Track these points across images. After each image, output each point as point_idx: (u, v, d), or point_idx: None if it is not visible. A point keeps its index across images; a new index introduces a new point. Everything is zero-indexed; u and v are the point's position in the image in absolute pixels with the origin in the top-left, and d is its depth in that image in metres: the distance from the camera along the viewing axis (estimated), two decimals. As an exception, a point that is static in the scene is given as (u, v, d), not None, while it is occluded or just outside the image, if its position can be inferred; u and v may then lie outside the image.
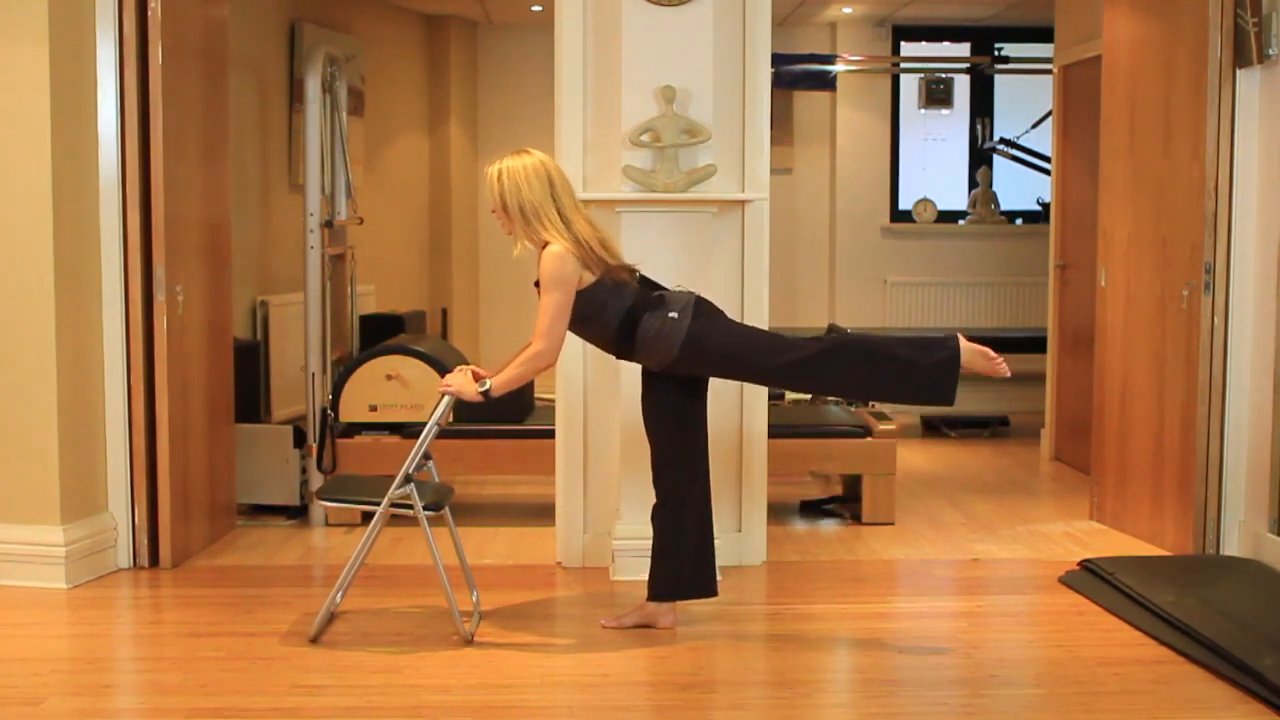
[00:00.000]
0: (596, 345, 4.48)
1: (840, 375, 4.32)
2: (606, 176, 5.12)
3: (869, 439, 6.13)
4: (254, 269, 7.07)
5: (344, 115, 6.42)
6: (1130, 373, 5.84)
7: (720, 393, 5.10)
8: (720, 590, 4.77)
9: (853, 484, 6.30)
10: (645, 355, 4.33)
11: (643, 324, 4.26)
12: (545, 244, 4.23)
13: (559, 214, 4.23)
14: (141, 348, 5.20)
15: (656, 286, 4.39)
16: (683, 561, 4.49)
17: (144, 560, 5.26)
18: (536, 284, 4.28)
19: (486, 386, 4.25)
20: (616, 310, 4.26)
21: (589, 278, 4.24)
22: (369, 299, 7.93)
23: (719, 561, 5.06)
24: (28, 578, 4.95)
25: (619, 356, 4.43)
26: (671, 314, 4.25)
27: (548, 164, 4.29)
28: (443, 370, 5.88)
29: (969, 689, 4.01)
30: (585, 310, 4.25)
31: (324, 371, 6.13)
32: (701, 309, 4.30)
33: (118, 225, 5.15)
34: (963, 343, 4.21)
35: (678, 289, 4.40)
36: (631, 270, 4.35)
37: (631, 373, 4.57)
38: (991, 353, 4.22)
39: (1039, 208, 9.29)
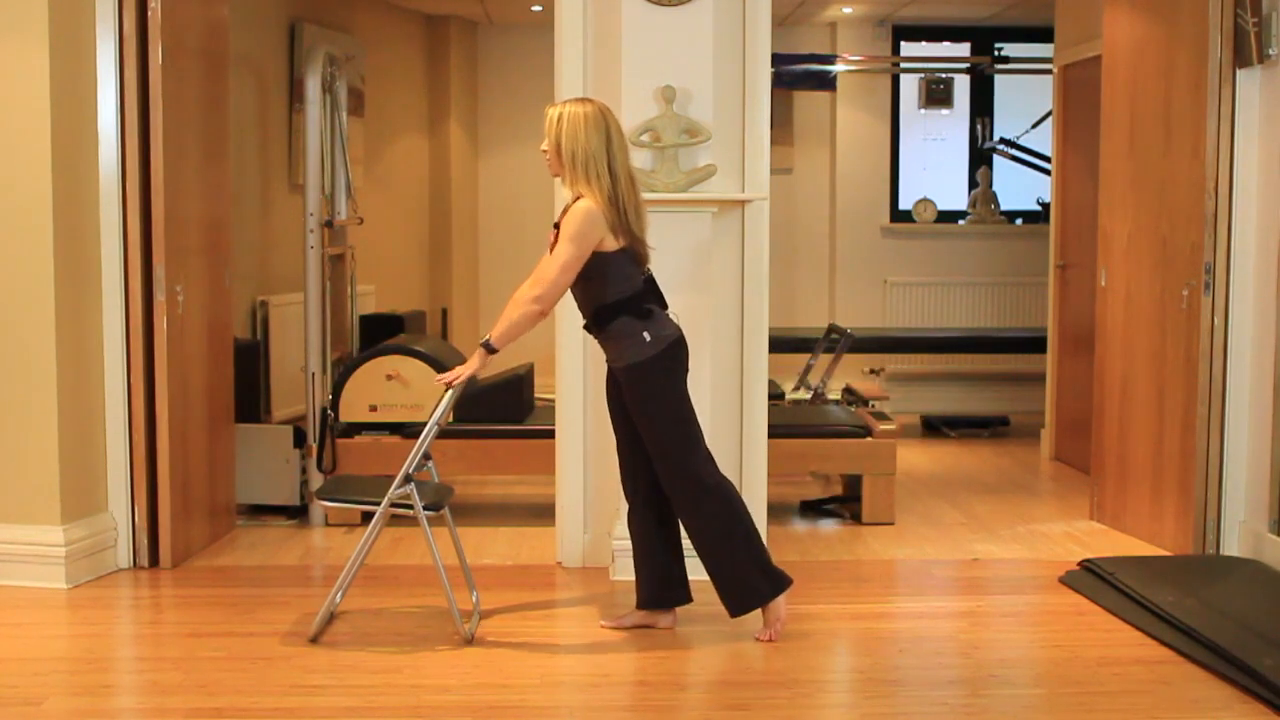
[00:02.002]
0: (577, 303, 4.46)
1: (699, 516, 4.36)
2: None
3: (869, 439, 6.13)
4: (254, 269, 7.07)
5: (344, 115, 6.42)
6: (1130, 373, 5.84)
7: (720, 392, 5.11)
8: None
9: (853, 484, 6.30)
10: (603, 345, 4.38)
11: (618, 321, 4.27)
12: (579, 197, 4.24)
13: (609, 168, 4.24)
14: (141, 348, 5.20)
15: (657, 296, 4.38)
16: (658, 568, 4.51)
17: (144, 560, 5.26)
18: (556, 225, 4.30)
19: (486, 339, 4.25)
20: (610, 294, 4.28)
21: (612, 244, 4.25)
22: (369, 299, 7.92)
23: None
24: (28, 578, 4.95)
25: (586, 329, 4.45)
26: (646, 335, 4.26)
27: (608, 116, 4.30)
28: (443, 370, 5.89)
29: (969, 689, 4.01)
30: (589, 273, 4.25)
31: (324, 371, 6.13)
32: (672, 353, 4.30)
33: (118, 225, 5.15)
34: (783, 598, 4.39)
35: (673, 316, 4.40)
36: (646, 255, 4.35)
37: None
38: (779, 629, 4.38)
39: (1039, 208, 9.29)
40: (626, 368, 4.30)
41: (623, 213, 4.23)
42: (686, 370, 4.38)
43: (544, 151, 4.35)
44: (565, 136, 4.26)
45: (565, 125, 4.26)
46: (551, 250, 4.29)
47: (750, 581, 4.37)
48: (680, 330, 4.37)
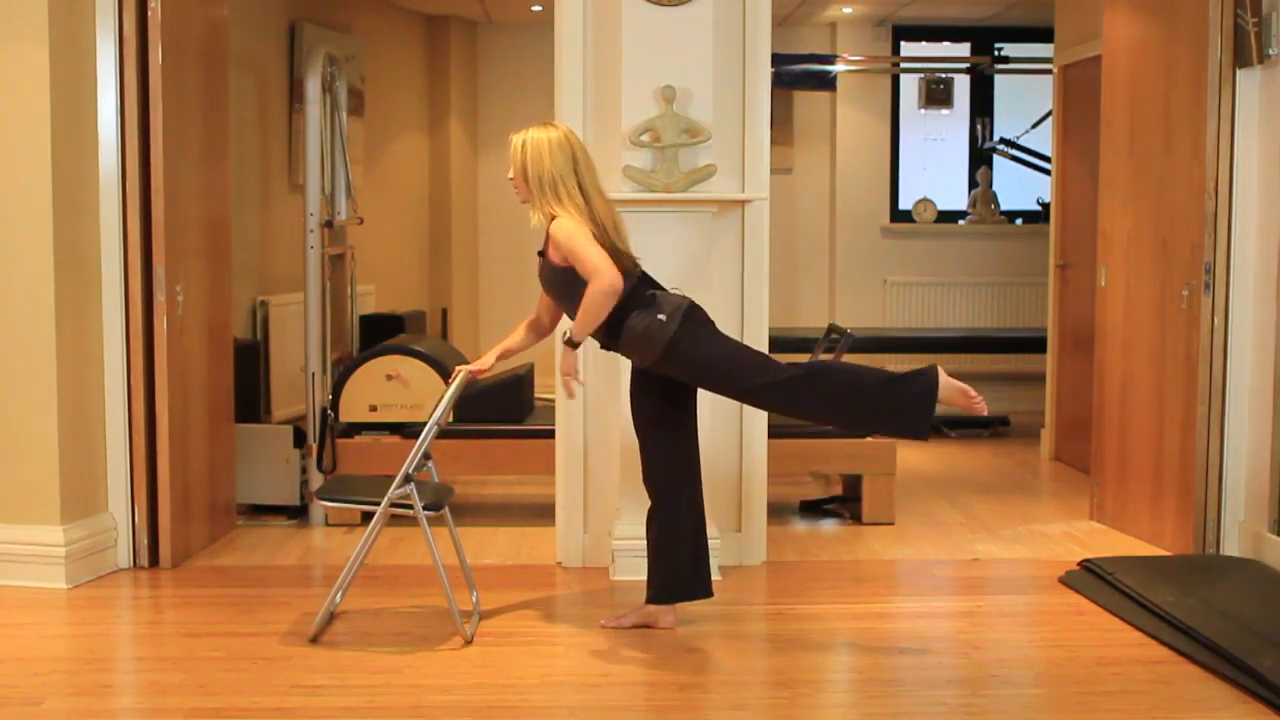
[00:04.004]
0: None
1: (815, 402, 4.29)
2: (606, 176, 5.07)
3: (869, 439, 6.13)
4: (254, 269, 7.07)
5: (344, 115, 6.43)
6: (1130, 373, 5.84)
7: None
8: (720, 590, 4.77)
9: (853, 484, 6.30)
10: (628, 351, 4.35)
11: (630, 320, 4.24)
12: (554, 217, 4.24)
13: (579, 189, 4.25)
14: (141, 348, 5.20)
15: (653, 284, 4.37)
16: (678, 563, 4.49)
17: (144, 560, 5.27)
18: (540, 253, 4.30)
19: (567, 336, 4.24)
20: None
21: None
22: (369, 299, 7.92)
23: (719, 561, 5.08)
24: (28, 578, 4.95)
25: (603, 346, 4.42)
26: (660, 316, 4.23)
27: (572, 138, 4.31)
28: (443, 370, 5.90)
29: (969, 689, 4.01)
30: (581, 289, 4.23)
31: (324, 371, 6.13)
32: (692, 316, 4.27)
33: (118, 225, 5.15)
34: (942, 376, 4.19)
35: (674, 290, 4.38)
36: (634, 261, 4.34)
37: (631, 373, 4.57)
38: (971, 391, 4.20)
39: (1039, 208, 9.29)
40: (663, 355, 4.25)
41: (602, 228, 4.24)
42: (712, 322, 4.34)
43: (511, 179, 4.35)
44: (530, 162, 4.26)
45: (529, 151, 4.27)
46: (543, 277, 4.35)
47: (906, 399, 4.19)
48: (689, 298, 4.33)
